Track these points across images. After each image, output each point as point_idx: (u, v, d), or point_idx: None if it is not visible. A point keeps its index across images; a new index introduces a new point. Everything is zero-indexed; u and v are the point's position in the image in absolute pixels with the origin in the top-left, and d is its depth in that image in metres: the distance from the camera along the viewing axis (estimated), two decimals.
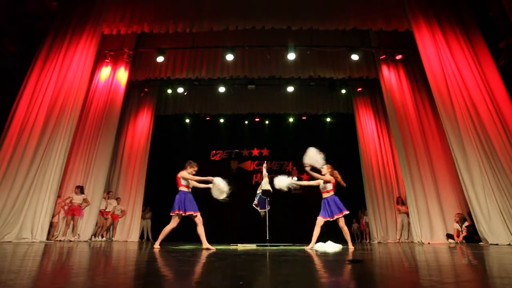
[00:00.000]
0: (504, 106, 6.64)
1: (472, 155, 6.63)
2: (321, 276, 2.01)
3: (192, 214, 4.93)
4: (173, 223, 4.97)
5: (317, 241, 5.76)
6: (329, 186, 5.52)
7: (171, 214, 4.97)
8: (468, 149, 6.68)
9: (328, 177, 5.50)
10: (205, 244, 4.97)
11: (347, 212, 5.40)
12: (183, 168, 5.19)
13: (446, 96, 7.07)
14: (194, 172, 5.16)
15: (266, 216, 7.51)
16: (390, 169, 10.53)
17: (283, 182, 5.69)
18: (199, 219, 5.01)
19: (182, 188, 5.07)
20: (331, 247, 5.86)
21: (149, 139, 11.13)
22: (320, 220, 5.45)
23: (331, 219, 5.41)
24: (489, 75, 6.96)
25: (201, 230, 5.01)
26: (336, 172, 5.65)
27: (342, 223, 5.40)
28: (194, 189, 5.24)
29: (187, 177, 5.08)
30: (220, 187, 5.09)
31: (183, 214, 4.93)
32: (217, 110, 12.71)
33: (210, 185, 5.15)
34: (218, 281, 1.76)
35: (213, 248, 4.94)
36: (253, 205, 7.71)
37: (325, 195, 5.54)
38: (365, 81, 11.03)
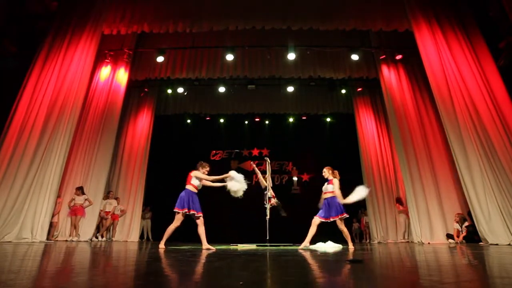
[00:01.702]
0: (504, 106, 6.64)
1: (472, 155, 6.64)
2: (321, 276, 2.01)
3: (194, 214, 4.94)
4: (177, 222, 4.96)
5: (317, 241, 5.75)
6: (330, 188, 5.52)
7: (174, 210, 4.96)
8: (469, 149, 6.68)
9: (337, 182, 5.51)
10: (205, 244, 4.98)
11: (345, 216, 5.36)
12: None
13: (447, 96, 7.07)
14: (206, 173, 5.20)
15: (267, 215, 7.46)
16: (390, 169, 10.53)
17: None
18: (200, 220, 5.02)
19: (189, 187, 5.07)
20: (331, 247, 5.86)
21: (149, 139, 11.12)
22: (316, 220, 5.44)
23: (327, 221, 5.38)
24: (489, 75, 6.96)
25: (202, 230, 5.02)
26: (336, 172, 5.66)
27: (341, 225, 5.38)
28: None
29: (201, 176, 5.09)
30: (237, 178, 5.08)
31: (187, 213, 4.92)
32: (217, 110, 12.71)
33: (225, 183, 5.17)
34: (218, 281, 1.76)
35: (213, 248, 4.94)
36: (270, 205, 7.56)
37: (326, 196, 5.53)
38: (365, 81, 11.02)
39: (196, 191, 5.10)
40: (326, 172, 5.64)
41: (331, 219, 5.34)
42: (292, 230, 10.62)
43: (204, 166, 5.20)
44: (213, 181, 5.16)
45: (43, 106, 7.11)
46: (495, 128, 6.58)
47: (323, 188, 5.62)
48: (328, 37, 9.65)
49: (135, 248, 5.58)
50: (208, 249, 4.85)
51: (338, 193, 5.45)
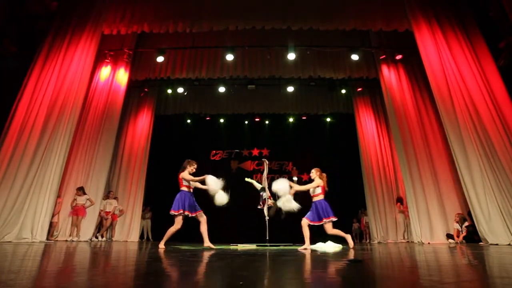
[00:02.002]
0: (504, 106, 6.64)
1: (472, 155, 6.64)
2: (322, 276, 2.01)
3: (188, 215, 4.92)
4: (177, 224, 4.91)
5: (317, 241, 5.74)
6: (318, 190, 5.43)
7: (171, 213, 4.94)
8: (469, 149, 6.68)
9: (317, 182, 5.42)
10: (207, 242, 4.98)
11: (334, 219, 5.25)
12: (180, 167, 5.18)
13: (447, 96, 7.07)
14: (193, 170, 5.16)
15: (266, 214, 7.48)
16: (390, 169, 10.54)
17: (282, 185, 5.47)
18: (203, 218, 5.01)
19: (183, 188, 5.06)
20: (331, 247, 5.86)
21: (149, 139, 11.12)
22: (304, 221, 5.36)
23: (316, 224, 5.31)
24: (489, 75, 6.96)
25: (204, 228, 5.01)
26: (324, 175, 5.57)
27: (330, 230, 5.24)
28: (197, 189, 5.23)
29: (186, 177, 5.07)
30: (210, 187, 5.05)
31: (183, 214, 4.91)
32: (217, 110, 12.72)
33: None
34: (218, 281, 1.76)
35: (213, 246, 4.96)
36: (259, 207, 7.70)
37: (314, 199, 5.45)
38: (365, 81, 11.03)
39: (191, 190, 5.09)
40: (314, 173, 5.56)
41: (323, 221, 5.24)
42: (292, 230, 10.64)
43: (192, 163, 5.16)
44: (198, 181, 5.12)
45: (43, 106, 7.11)
46: (495, 128, 6.57)
47: (311, 191, 5.53)
48: (328, 37, 9.65)
49: (135, 248, 5.58)
50: (209, 247, 4.86)
51: (301, 187, 5.48)
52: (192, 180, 5.08)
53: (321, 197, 5.41)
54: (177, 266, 2.55)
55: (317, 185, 5.42)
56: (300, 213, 5.55)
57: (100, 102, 9.21)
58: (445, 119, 7.08)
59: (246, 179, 8.27)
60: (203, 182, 5.13)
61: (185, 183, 5.07)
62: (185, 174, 5.07)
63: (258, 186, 7.90)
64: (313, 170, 5.61)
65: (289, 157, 13.39)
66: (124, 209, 9.87)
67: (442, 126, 7.29)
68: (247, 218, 10.43)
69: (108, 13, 8.27)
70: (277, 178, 5.92)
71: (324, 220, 5.25)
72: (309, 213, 5.41)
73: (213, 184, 5.06)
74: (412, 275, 2.04)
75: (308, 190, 5.56)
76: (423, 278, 1.80)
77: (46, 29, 7.92)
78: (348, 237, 5.44)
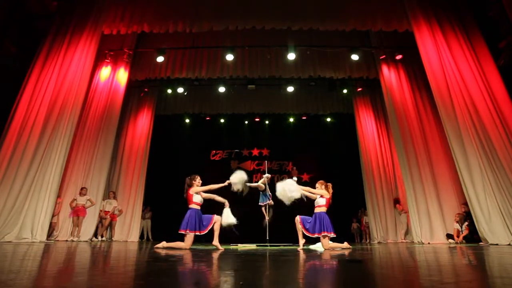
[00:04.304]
0: (504, 106, 6.64)
1: (472, 155, 6.64)
2: (321, 276, 2.01)
3: (199, 234, 4.91)
4: (187, 242, 4.81)
5: (317, 242, 5.74)
6: (322, 201, 5.29)
7: (180, 232, 4.85)
8: (468, 149, 6.68)
9: (321, 191, 5.32)
10: (215, 241, 4.98)
11: (332, 235, 5.13)
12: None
13: (446, 96, 7.07)
14: (200, 183, 5.12)
15: (266, 213, 7.47)
16: (390, 169, 10.54)
17: (288, 186, 5.43)
18: (218, 218, 5.02)
19: (193, 206, 4.98)
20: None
21: (149, 139, 11.12)
22: (298, 219, 5.34)
23: (311, 235, 5.22)
24: (489, 75, 6.96)
25: (217, 226, 5.01)
26: (330, 185, 5.45)
27: (326, 244, 5.11)
28: None
29: (202, 189, 5.03)
30: (238, 182, 5.19)
31: (200, 234, 4.89)
32: (217, 110, 12.72)
33: (224, 184, 5.23)
34: (218, 281, 1.76)
35: (221, 248, 4.97)
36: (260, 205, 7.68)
37: (316, 210, 5.32)
38: (365, 81, 11.03)
39: (199, 207, 5.04)
40: (319, 187, 5.45)
41: (322, 234, 5.12)
42: (292, 230, 10.63)
43: (194, 178, 5.11)
44: (212, 189, 5.13)
45: (43, 106, 7.10)
46: (495, 128, 6.57)
47: (315, 202, 5.42)
48: (328, 37, 9.66)
49: (135, 248, 5.58)
50: (216, 246, 4.88)
51: (305, 189, 5.41)
52: (211, 188, 5.07)
53: (324, 209, 5.28)
54: (177, 266, 2.55)
55: (321, 194, 5.30)
56: (298, 214, 5.55)
57: (100, 102, 9.21)
58: (445, 119, 7.08)
59: (248, 184, 8.11)
60: (213, 192, 5.10)
61: (195, 199, 4.98)
62: (196, 188, 5.01)
63: (261, 186, 7.85)
64: (317, 184, 5.49)
65: (289, 157, 13.39)
66: (123, 209, 9.86)
67: (442, 126, 7.29)
68: (247, 218, 10.43)
69: (108, 13, 8.27)
70: (278, 178, 5.92)
71: (323, 233, 5.11)
72: (308, 223, 5.29)
73: (237, 179, 5.19)
74: (412, 275, 2.04)
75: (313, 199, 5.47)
76: (423, 278, 1.80)
77: (46, 29, 7.92)
78: (345, 244, 5.43)
